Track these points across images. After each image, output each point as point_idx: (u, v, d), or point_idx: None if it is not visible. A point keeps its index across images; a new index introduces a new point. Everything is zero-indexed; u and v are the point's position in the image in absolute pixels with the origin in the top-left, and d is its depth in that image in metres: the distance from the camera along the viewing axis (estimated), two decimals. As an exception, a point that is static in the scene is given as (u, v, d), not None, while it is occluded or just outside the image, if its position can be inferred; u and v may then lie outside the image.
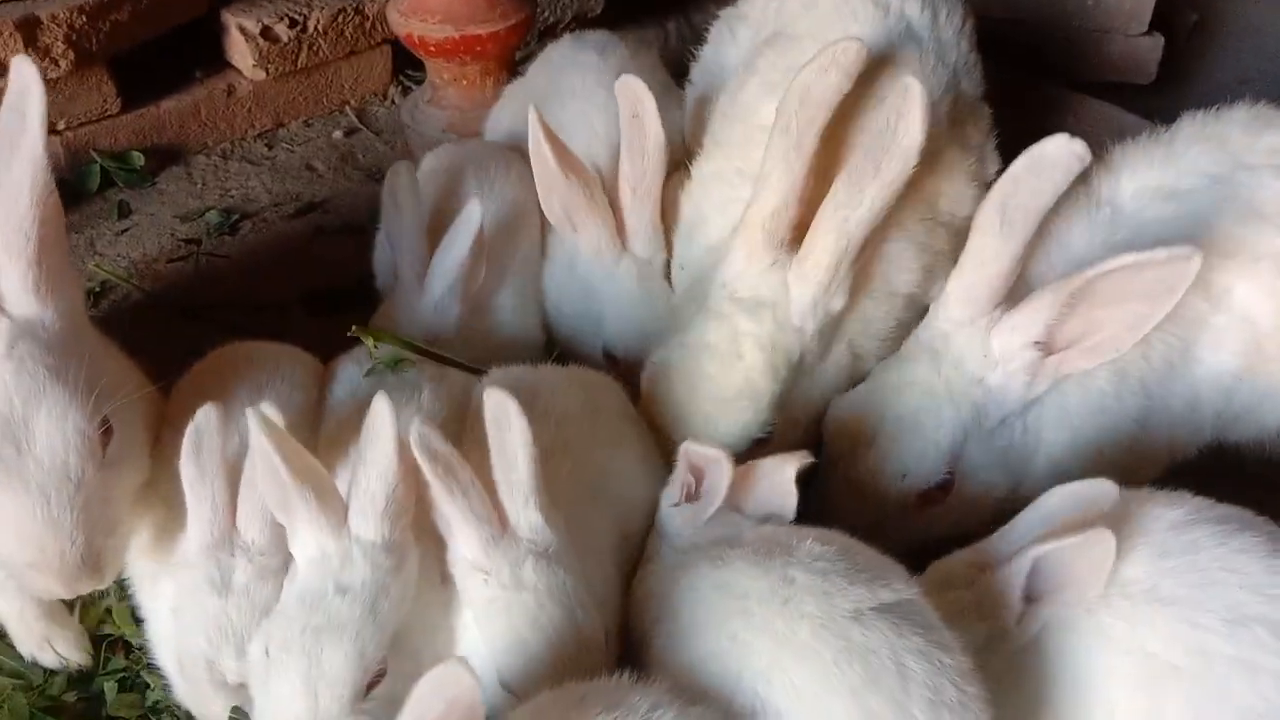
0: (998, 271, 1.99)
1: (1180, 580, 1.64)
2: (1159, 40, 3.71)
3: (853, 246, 2.04)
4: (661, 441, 2.14)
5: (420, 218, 2.40)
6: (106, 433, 1.77)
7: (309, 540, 1.70)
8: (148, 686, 2.00)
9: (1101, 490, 1.73)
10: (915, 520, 2.09)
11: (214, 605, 1.77)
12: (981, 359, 2.02)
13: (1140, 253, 1.85)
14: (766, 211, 2.08)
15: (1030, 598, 1.70)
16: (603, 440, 2.01)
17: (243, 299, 2.92)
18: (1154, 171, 2.17)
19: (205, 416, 1.77)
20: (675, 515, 1.88)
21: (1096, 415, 2.07)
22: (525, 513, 1.71)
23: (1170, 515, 1.71)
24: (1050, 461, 2.09)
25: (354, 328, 2.09)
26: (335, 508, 1.70)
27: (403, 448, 1.68)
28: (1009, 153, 2.23)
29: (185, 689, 1.83)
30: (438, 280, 2.31)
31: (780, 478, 1.85)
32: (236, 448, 1.83)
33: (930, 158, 2.27)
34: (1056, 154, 1.90)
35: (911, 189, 2.25)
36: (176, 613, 1.81)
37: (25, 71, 1.74)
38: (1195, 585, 1.63)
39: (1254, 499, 1.81)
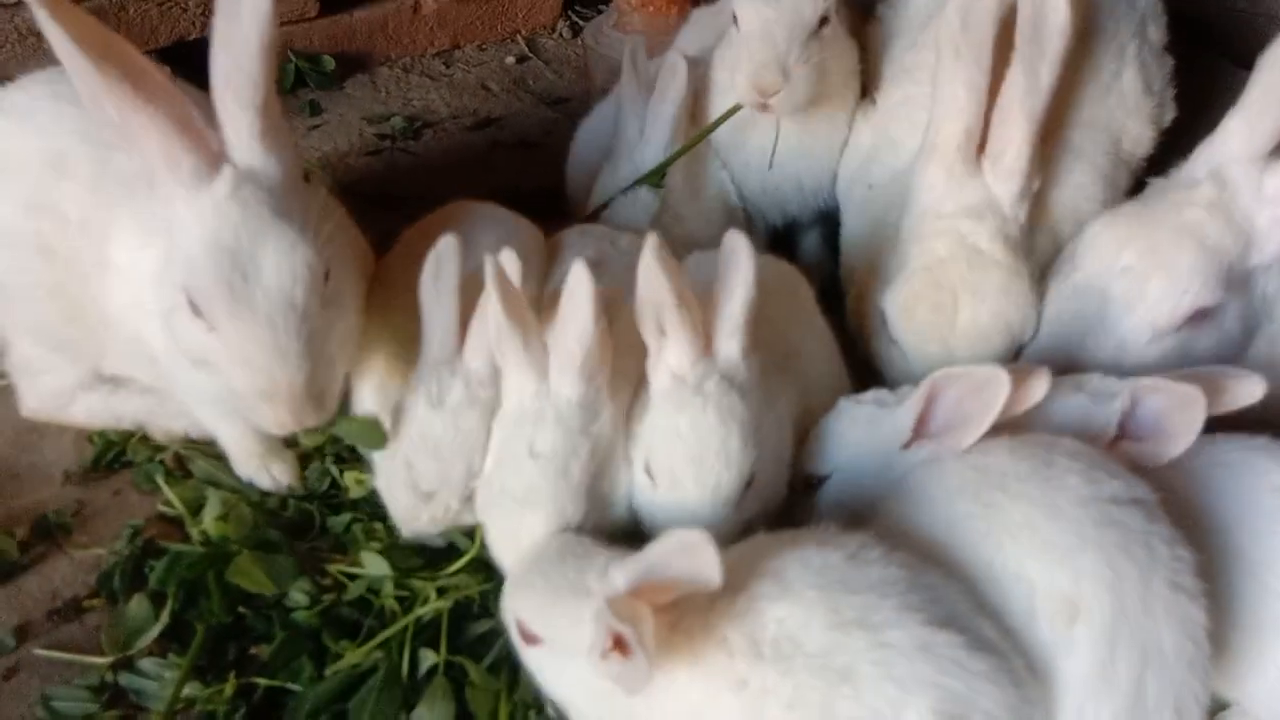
0: None
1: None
2: (1323, 27, 3.73)
3: (1038, 132, 2.16)
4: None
5: (647, 83, 2.66)
6: (325, 275, 1.83)
7: (512, 389, 1.85)
8: (355, 509, 2.18)
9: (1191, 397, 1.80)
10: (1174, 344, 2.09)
11: (424, 414, 1.92)
12: (1255, 196, 2.06)
13: None
14: (960, 135, 2.18)
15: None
16: (797, 319, 2.15)
17: (427, 194, 3.08)
18: None
19: (446, 245, 1.94)
20: (916, 454, 1.85)
21: None
22: (728, 343, 1.82)
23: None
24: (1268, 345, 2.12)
25: None
26: (540, 359, 1.83)
27: (600, 307, 1.78)
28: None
29: (384, 487, 2.01)
30: (656, 128, 2.57)
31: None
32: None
33: (1118, 96, 2.39)
34: None
35: (1098, 123, 2.37)
36: (394, 419, 1.98)
37: None
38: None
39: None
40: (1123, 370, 1.95)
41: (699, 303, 1.82)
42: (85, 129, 2.03)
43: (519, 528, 1.82)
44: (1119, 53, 2.39)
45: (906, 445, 1.87)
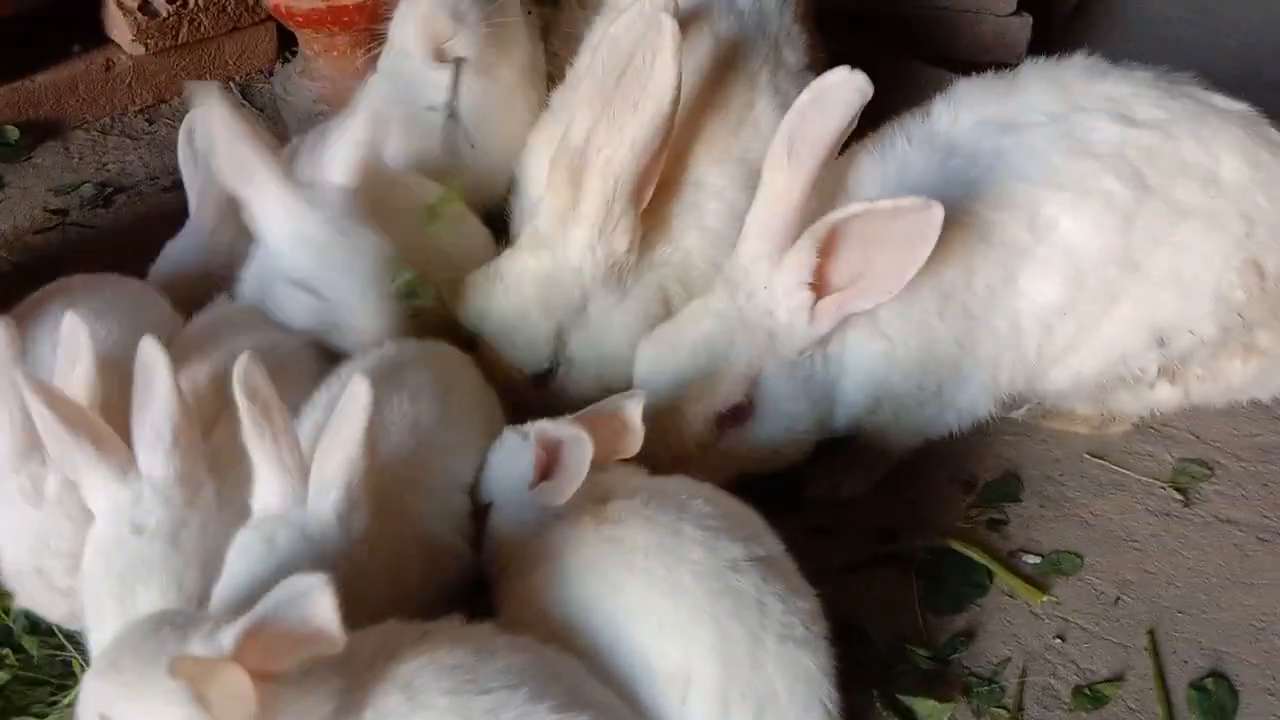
0: (788, 205, 2.00)
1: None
2: (1027, 20, 3.81)
3: (622, 186, 2.09)
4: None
5: (209, 165, 2.53)
6: None
7: (98, 490, 1.74)
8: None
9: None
10: (720, 451, 2.12)
11: (31, 516, 1.83)
12: (768, 294, 2.04)
13: (871, 201, 1.91)
14: (571, 149, 2.15)
15: None
16: (452, 419, 2.02)
17: (114, 267, 2.93)
18: (994, 106, 2.19)
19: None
20: (539, 495, 1.84)
21: (917, 332, 2.11)
22: (329, 496, 1.68)
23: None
24: (859, 390, 2.13)
25: None
26: (117, 453, 1.74)
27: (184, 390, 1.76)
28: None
29: (24, 596, 1.91)
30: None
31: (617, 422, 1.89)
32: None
33: (752, 128, 2.38)
34: (839, 86, 1.95)
35: (731, 157, 2.36)
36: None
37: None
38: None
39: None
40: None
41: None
42: None
43: (131, 612, 1.68)
44: (750, 83, 2.38)
45: (533, 485, 1.86)
